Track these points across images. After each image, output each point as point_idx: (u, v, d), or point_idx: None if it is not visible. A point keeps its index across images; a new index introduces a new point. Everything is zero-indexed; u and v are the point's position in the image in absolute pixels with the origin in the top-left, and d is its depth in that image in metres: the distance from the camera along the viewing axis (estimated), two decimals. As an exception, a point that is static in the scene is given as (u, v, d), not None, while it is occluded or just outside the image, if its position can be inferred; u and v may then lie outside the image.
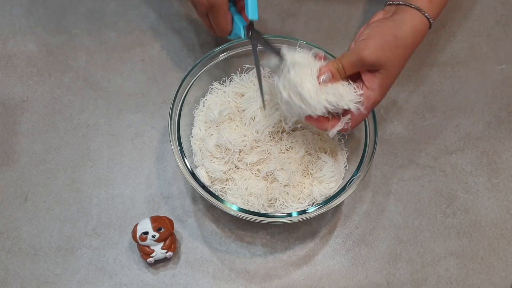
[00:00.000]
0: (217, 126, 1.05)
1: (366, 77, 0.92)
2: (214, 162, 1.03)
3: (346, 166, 1.06)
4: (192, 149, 1.06)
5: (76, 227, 1.07)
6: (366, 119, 1.02)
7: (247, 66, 1.10)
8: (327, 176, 1.04)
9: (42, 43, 1.21)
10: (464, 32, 1.25)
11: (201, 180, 0.99)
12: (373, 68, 0.91)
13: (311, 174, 1.04)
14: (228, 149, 1.02)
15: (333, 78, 0.91)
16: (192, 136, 1.08)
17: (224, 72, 1.11)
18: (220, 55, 1.07)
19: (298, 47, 1.06)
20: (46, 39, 1.21)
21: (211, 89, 1.10)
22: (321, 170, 1.03)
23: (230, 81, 1.11)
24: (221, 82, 1.11)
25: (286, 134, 1.04)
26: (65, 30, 1.21)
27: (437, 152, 1.13)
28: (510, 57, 1.23)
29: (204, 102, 1.09)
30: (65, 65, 1.19)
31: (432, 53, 1.20)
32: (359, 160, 1.01)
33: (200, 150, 1.06)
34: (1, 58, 1.19)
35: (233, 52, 1.09)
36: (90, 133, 1.14)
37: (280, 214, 0.97)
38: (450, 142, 1.14)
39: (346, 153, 1.07)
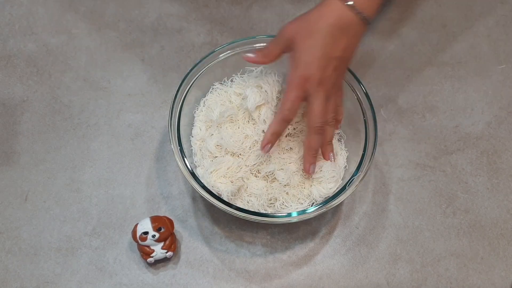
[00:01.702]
0: (217, 126, 1.05)
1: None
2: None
3: (346, 166, 1.06)
4: (192, 149, 1.07)
5: (76, 227, 1.08)
6: (366, 119, 1.03)
7: (247, 67, 1.11)
8: (327, 176, 1.04)
9: (42, 43, 1.21)
10: (464, 32, 1.25)
11: (201, 180, 0.99)
12: (288, 45, 0.95)
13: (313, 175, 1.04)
14: (229, 151, 1.03)
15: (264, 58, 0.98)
16: (192, 136, 1.08)
17: (224, 72, 1.10)
18: (220, 55, 1.07)
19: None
20: (46, 39, 1.21)
21: (212, 89, 1.10)
22: (321, 170, 1.03)
23: (232, 81, 1.11)
24: (222, 82, 1.11)
25: (285, 136, 1.05)
26: (65, 30, 1.21)
27: (437, 152, 1.13)
28: (510, 57, 1.23)
29: (204, 102, 1.09)
30: (65, 65, 1.19)
31: (432, 53, 1.20)
32: (359, 160, 1.01)
33: (200, 150, 1.06)
34: (1, 58, 1.19)
35: (233, 52, 1.09)
36: (90, 133, 1.14)
37: (280, 214, 0.98)
38: (450, 142, 1.14)
39: (346, 153, 1.07)
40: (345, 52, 0.95)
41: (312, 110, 0.94)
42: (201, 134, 1.07)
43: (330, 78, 0.94)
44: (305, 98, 0.94)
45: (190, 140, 1.08)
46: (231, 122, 1.05)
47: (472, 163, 1.13)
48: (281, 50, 0.96)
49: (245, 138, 1.03)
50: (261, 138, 1.01)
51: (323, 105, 0.94)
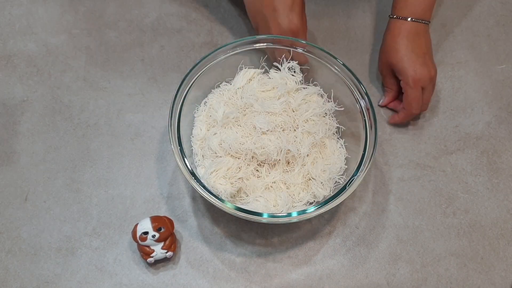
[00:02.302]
0: (222, 126, 1.05)
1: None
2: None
3: (346, 166, 1.07)
4: (192, 149, 1.07)
5: (76, 227, 1.08)
6: (367, 119, 1.03)
7: (247, 67, 1.11)
8: (327, 176, 1.04)
9: (42, 43, 1.21)
10: (464, 32, 1.25)
11: (201, 180, 0.99)
12: (391, 70, 1.15)
13: (311, 174, 1.04)
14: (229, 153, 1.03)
15: (392, 98, 1.19)
16: (192, 136, 1.08)
17: (224, 72, 1.11)
18: (220, 55, 1.07)
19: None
20: (46, 39, 1.21)
21: (214, 88, 1.11)
22: (323, 171, 1.03)
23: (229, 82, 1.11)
24: (226, 81, 1.12)
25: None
26: (65, 30, 1.21)
27: (437, 152, 1.13)
28: (510, 57, 1.23)
29: (205, 103, 1.09)
30: (65, 65, 1.19)
31: (432, 53, 1.20)
32: (359, 160, 1.01)
33: (201, 149, 1.07)
34: (1, 58, 1.19)
35: (233, 52, 1.09)
36: (90, 133, 1.14)
37: (280, 214, 0.98)
38: (450, 142, 1.14)
39: (345, 153, 1.07)
40: (427, 47, 1.13)
41: (423, 100, 1.12)
42: (202, 134, 1.07)
43: (432, 69, 1.11)
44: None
45: (191, 140, 1.08)
46: (236, 123, 1.05)
47: (472, 163, 1.13)
48: (392, 77, 1.16)
49: (246, 140, 1.03)
50: (261, 142, 1.03)
51: (431, 94, 1.14)
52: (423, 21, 1.11)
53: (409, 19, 1.11)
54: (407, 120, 1.15)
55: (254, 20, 1.13)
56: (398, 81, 1.14)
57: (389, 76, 1.16)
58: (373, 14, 1.25)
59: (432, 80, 1.12)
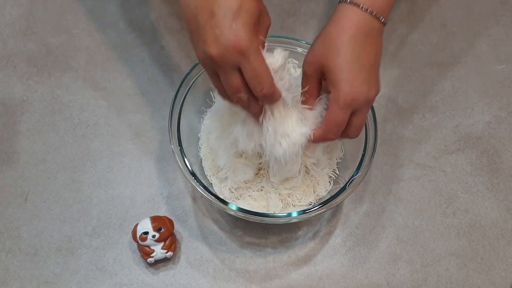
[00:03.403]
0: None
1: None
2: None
3: (345, 165, 1.07)
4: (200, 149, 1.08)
5: (76, 227, 1.08)
6: (367, 119, 1.01)
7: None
8: (327, 176, 1.05)
9: (42, 43, 1.21)
10: (464, 32, 1.25)
11: (201, 180, 0.99)
12: (321, 72, 0.89)
13: (312, 174, 1.05)
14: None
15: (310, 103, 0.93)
16: (202, 124, 1.10)
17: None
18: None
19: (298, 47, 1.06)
20: (46, 39, 1.21)
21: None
22: (322, 169, 1.04)
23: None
24: None
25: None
26: (65, 30, 1.21)
27: (437, 152, 1.13)
28: (510, 57, 1.24)
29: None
30: (65, 65, 1.19)
31: (432, 53, 1.20)
32: (359, 160, 1.01)
33: (208, 139, 1.08)
34: (1, 58, 1.19)
35: None
36: (90, 133, 1.14)
37: (280, 214, 0.98)
38: (450, 142, 1.14)
39: (342, 151, 1.08)
40: (376, 57, 0.89)
41: (356, 125, 0.90)
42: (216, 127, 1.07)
43: (374, 89, 0.89)
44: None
45: (200, 132, 1.10)
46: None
47: (472, 163, 1.13)
48: (317, 82, 0.92)
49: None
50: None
51: (364, 119, 0.91)
52: (380, 18, 0.87)
53: (364, 7, 0.86)
54: (323, 141, 0.94)
55: (188, 28, 0.84)
56: (321, 86, 0.93)
57: (314, 79, 0.91)
58: None
59: (369, 103, 0.90)
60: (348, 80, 0.85)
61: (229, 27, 0.77)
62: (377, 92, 0.89)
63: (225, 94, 0.86)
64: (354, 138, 0.93)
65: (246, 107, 0.86)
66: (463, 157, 1.13)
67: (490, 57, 1.22)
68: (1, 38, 1.21)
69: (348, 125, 0.89)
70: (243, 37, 0.78)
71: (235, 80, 0.82)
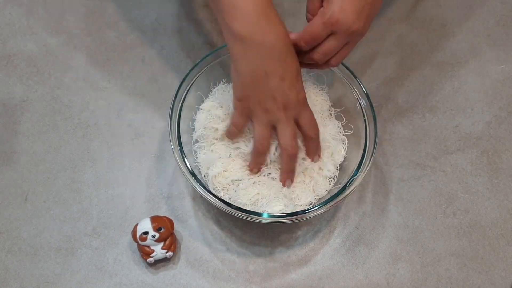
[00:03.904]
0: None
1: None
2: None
3: (343, 160, 1.07)
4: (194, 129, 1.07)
5: (76, 227, 1.07)
6: (366, 119, 1.03)
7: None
8: (327, 177, 1.04)
9: (42, 43, 1.20)
10: (464, 32, 1.25)
11: (202, 180, 0.98)
12: None
13: (311, 175, 1.04)
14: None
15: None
16: (200, 109, 1.08)
17: (224, 72, 1.09)
18: (220, 56, 1.06)
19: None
20: (46, 39, 1.21)
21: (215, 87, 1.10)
22: (321, 170, 1.03)
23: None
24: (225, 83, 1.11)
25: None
26: (65, 30, 1.21)
27: (437, 152, 1.13)
28: (510, 57, 1.23)
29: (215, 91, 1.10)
30: (65, 65, 1.19)
31: (432, 53, 1.20)
32: (359, 160, 1.00)
33: (205, 128, 1.07)
34: (1, 58, 1.19)
35: None
36: (90, 133, 1.14)
37: (280, 214, 0.97)
38: (450, 142, 1.14)
39: (344, 150, 1.07)
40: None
41: (339, 54, 0.95)
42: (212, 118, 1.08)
43: (360, 24, 0.90)
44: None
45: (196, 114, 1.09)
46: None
47: (472, 163, 1.13)
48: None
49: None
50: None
51: (348, 52, 0.95)
52: None
53: None
54: (294, 45, 0.93)
55: (246, 86, 0.94)
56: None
57: None
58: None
59: (349, 33, 0.91)
60: (342, 2, 0.87)
61: (296, 87, 0.92)
62: (362, 30, 0.91)
63: (262, 143, 0.98)
64: (335, 66, 0.98)
65: (263, 156, 1.00)
66: (463, 157, 1.13)
67: (490, 57, 1.21)
68: (1, 38, 1.21)
69: (329, 52, 0.93)
70: (303, 93, 0.95)
71: (294, 128, 0.96)
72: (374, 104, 1.03)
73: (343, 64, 1.06)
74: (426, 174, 1.12)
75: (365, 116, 1.04)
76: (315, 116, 1.00)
